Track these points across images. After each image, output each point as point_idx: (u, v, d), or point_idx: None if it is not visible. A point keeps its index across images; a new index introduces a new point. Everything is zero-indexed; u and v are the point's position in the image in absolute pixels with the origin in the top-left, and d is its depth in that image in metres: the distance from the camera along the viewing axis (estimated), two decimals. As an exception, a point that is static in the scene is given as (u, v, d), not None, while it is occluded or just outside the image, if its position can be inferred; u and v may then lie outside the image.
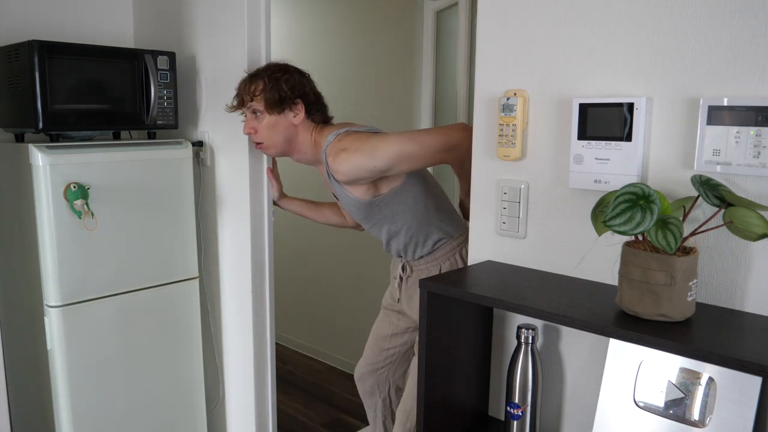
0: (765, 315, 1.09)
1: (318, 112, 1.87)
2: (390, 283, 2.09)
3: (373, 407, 2.18)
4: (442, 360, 1.33)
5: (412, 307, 1.96)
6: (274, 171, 2.12)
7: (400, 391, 2.17)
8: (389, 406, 2.16)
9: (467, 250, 1.57)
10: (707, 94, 1.11)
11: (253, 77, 1.83)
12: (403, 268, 1.97)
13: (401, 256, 1.96)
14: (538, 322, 1.38)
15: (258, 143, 1.89)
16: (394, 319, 2.06)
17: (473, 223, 1.50)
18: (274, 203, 2.16)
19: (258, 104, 1.82)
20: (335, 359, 3.61)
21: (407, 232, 1.87)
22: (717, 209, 1.05)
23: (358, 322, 3.37)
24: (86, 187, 1.85)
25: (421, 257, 1.92)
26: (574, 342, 1.34)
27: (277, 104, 1.80)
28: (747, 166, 1.06)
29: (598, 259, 1.28)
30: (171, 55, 2.09)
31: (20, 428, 2.15)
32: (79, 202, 1.82)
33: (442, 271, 1.88)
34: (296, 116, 1.83)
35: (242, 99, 1.84)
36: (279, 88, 1.79)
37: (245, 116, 1.89)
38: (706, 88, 1.11)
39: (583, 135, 1.23)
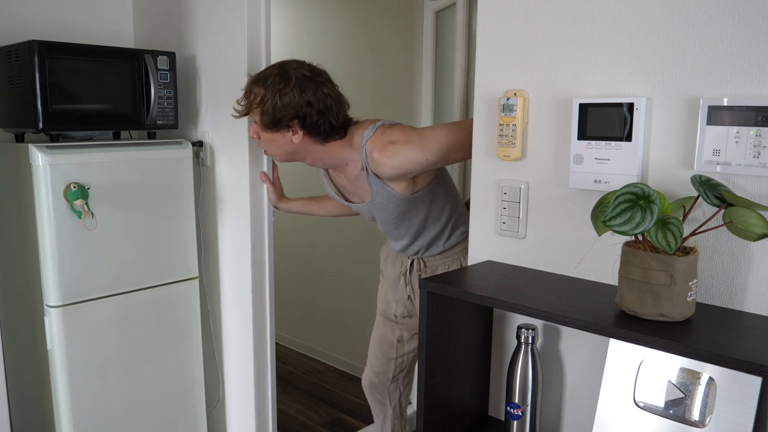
0: (765, 315, 1.09)
1: (321, 133, 1.68)
2: (387, 288, 2.03)
3: (382, 415, 2.13)
4: (442, 360, 1.33)
5: None
6: (274, 173, 2.09)
7: (407, 398, 2.14)
8: (399, 414, 2.12)
9: None
10: (707, 94, 1.11)
11: (255, 83, 1.68)
12: (411, 264, 1.92)
13: (417, 253, 1.91)
14: (538, 322, 1.38)
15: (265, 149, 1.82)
16: (396, 327, 2.02)
17: (473, 223, 1.49)
18: (275, 207, 2.13)
19: (256, 116, 1.70)
20: (335, 359, 3.61)
21: (438, 225, 1.84)
22: (717, 209, 1.05)
23: (358, 322, 3.37)
24: (86, 187, 1.85)
25: (442, 252, 1.88)
26: (574, 342, 1.34)
27: (271, 125, 1.67)
28: (747, 166, 1.06)
29: (598, 259, 1.28)
30: (171, 55, 2.09)
31: (20, 428, 2.15)
32: (79, 202, 1.82)
33: (462, 265, 1.84)
34: (295, 135, 1.69)
35: (248, 104, 1.71)
36: (274, 106, 1.63)
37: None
38: (706, 88, 1.11)
39: (583, 135, 1.23)
